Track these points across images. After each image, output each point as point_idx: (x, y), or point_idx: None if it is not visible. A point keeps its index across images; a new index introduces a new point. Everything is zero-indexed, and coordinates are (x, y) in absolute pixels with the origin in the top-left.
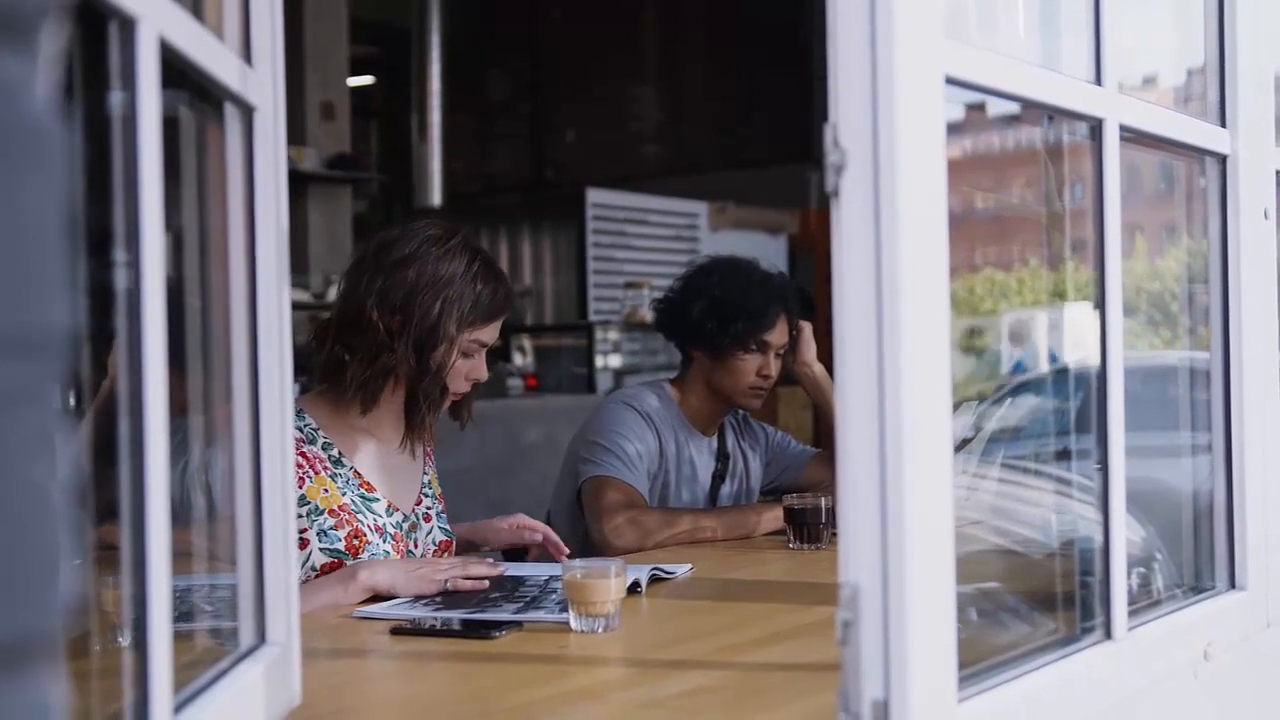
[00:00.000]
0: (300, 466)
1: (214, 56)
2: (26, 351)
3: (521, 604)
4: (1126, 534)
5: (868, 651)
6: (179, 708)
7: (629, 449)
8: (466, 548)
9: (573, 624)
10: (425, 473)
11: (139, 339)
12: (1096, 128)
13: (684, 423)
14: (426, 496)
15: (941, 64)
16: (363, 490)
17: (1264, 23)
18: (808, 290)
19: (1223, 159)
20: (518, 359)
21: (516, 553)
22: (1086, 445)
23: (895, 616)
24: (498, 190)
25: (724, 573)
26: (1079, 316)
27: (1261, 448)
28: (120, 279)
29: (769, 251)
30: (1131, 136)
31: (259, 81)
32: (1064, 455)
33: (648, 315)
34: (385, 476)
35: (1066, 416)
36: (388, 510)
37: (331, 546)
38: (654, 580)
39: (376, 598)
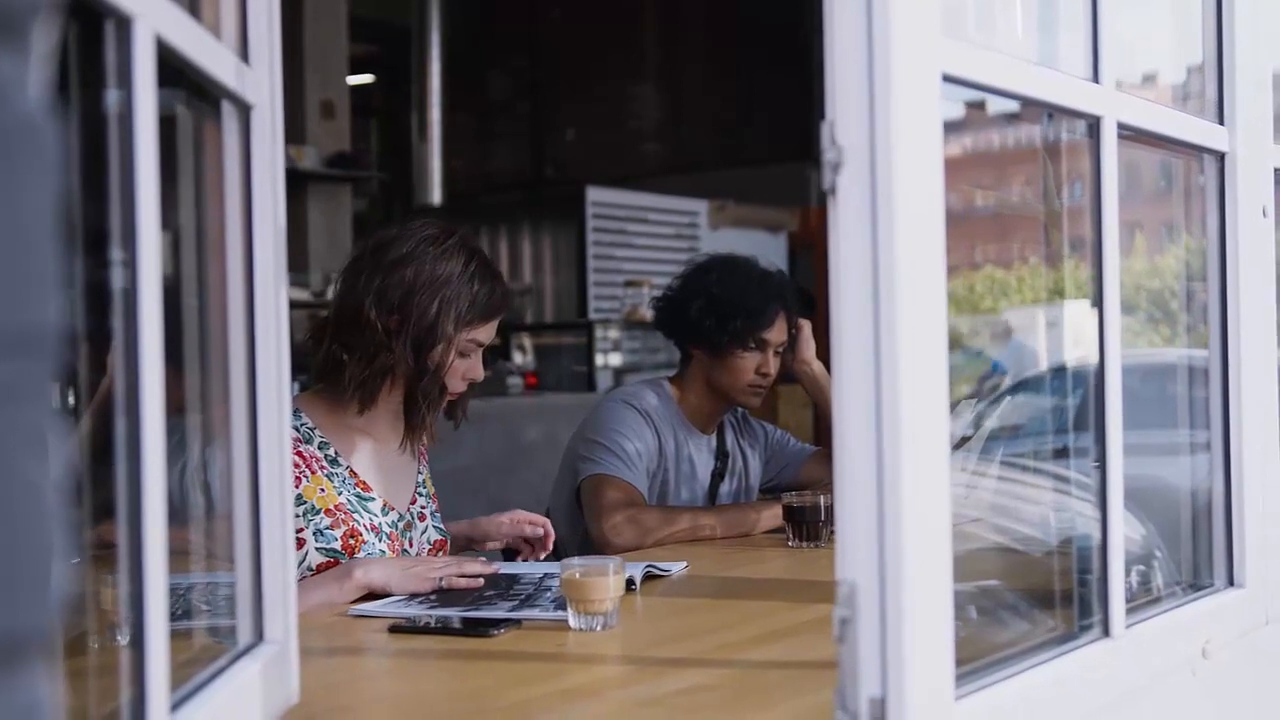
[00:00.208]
0: (297, 466)
1: (211, 55)
2: (19, 350)
3: (516, 602)
4: (1125, 532)
5: (865, 649)
6: (176, 705)
7: (628, 447)
8: (465, 545)
9: (571, 622)
10: (420, 472)
11: (135, 338)
12: (1094, 125)
13: (683, 421)
14: (421, 496)
15: (939, 62)
16: (359, 490)
17: (1262, 21)
18: (807, 288)
19: (1221, 156)
20: (518, 357)
21: (514, 552)
22: (1085, 443)
23: (892, 614)
24: (498, 189)
25: (722, 571)
26: (1078, 314)
27: (1260, 445)
28: (117, 278)
29: (769, 250)
30: (1129, 134)
31: (256, 80)
32: (1063, 453)
33: (648, 313)
34: (381, 476)
35: (1065, 414)
36: (383, 510)
37: (328, 546)
38: (650, 577)
39: (372, 596)
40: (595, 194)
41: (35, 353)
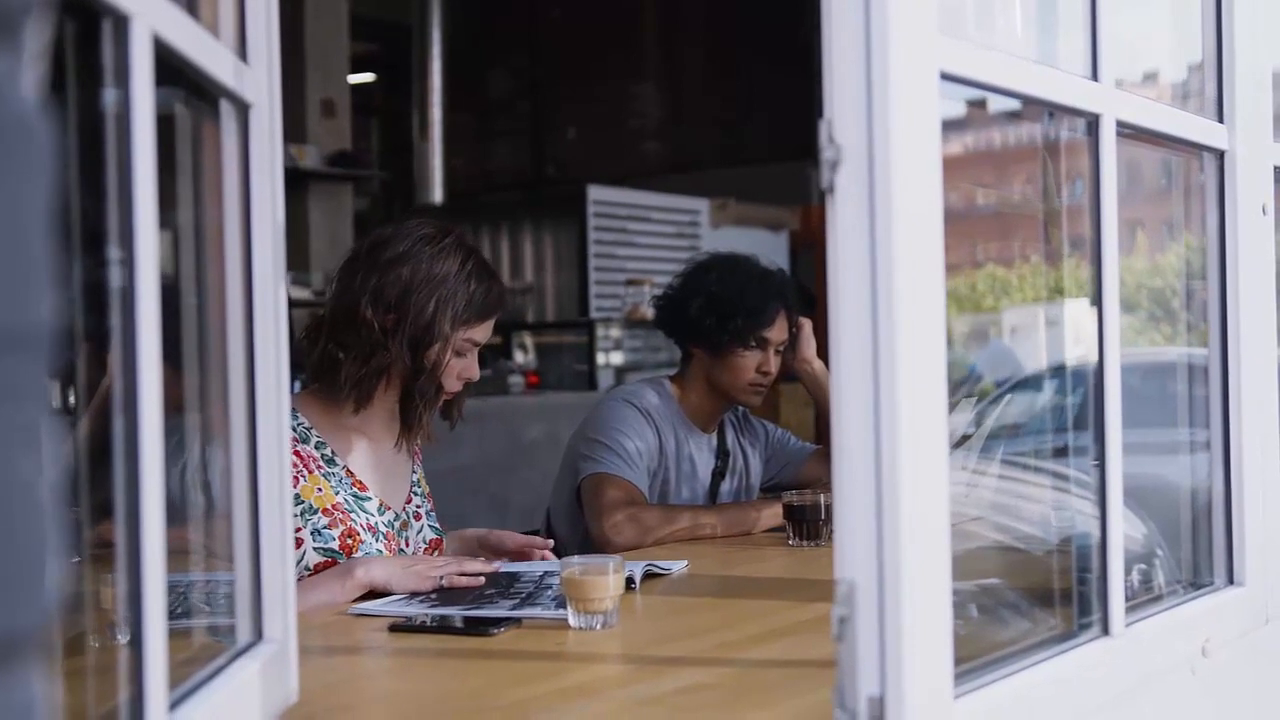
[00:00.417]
0: (294, 466)
1: (209, 54)
2: (12, 347)
3: (517, 600)
4: (1126, 530)
5: (864, 648)
6: (175, 704)
7: (629, 446)
8: (476, 550)
9: (571, 621)
10: (414, 471)
11: (133, 337)
12: (1093, 123)
13: (684, 420)
14: (416, 495)
15: (936, 60)
16: (355, 489)
17: (1262, 19)
18: (807, 287)
19: (1220, 155)
20: (519, 356)
21: None
22: (1085, 442)
23: (891, 613)
24: (498, 187)
25: (723, 569)
26: (1078, 313)
27: (1260, 444)
28: (115, 277)
29: (770, 248)
30: (1129, 132)
31: (254, 78)
32: (1063, 452)
33: (649, 312)
34: (376, 475)
35: (1065, 413)
36: (380, 509)
37: (326, 546)
38: (649, 576)
39: (372, 594)
40: (596, 193)
41: (29, 351)
